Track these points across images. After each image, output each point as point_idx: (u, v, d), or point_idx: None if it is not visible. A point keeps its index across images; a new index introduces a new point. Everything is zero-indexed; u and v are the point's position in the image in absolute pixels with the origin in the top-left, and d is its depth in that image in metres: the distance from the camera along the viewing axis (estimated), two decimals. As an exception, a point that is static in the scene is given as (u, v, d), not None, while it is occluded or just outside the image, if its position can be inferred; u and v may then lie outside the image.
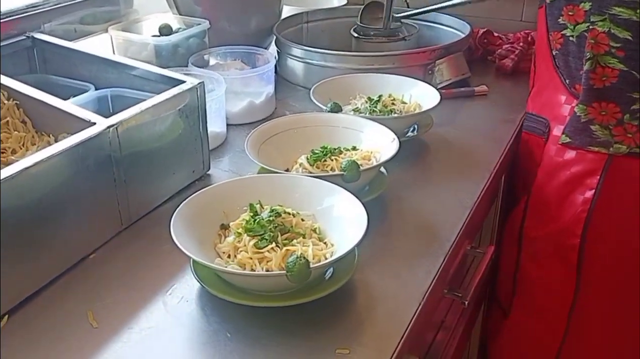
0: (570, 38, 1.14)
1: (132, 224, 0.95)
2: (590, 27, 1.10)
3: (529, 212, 1.24)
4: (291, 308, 0.76)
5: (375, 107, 1.19)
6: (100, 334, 0.74)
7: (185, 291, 0.82)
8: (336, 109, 1.16)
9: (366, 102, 1.21)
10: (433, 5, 1.57)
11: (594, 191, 1.14)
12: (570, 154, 1.17)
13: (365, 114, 1.18)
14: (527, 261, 1.27)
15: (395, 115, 1.17)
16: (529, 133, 1.28)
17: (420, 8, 1.61)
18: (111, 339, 0.74)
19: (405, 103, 1.23)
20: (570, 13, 1.13)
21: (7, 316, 0.77)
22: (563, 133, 1.17)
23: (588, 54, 1.11)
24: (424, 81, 1.29)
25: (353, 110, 1.20)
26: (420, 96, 1.24)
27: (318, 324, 0.76)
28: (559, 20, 1.15)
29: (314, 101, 1.18)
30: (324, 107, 1.17)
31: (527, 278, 1.28)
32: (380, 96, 1.22)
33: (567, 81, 1.18)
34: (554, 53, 1.19)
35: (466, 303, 0.97)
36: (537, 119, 1.25)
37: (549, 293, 1.25)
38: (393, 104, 1.21)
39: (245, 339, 0.73)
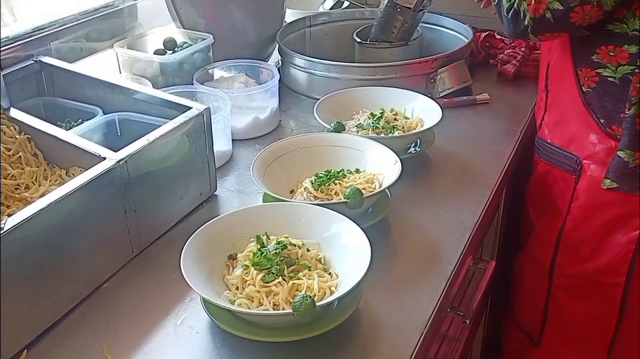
0: (610, 79, 1.09)
1: (142, 250, 0.98)
2: (637, 70, 1.05)
3: (562, 248, 1.22)
4: (299, 341, 0.79)
5: (378, 123, 1.21)
6: (115, 369, 0.78)
7: (195, 321, 0.85)
8: (339, 128, 1.18)
9: (369, 118, 1.23)
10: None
11: (639, 231, 1.12)
12: (612, 196, 1.13)
13: (368, 130, 1.20)
14: (561, 293, 1.26)
15: (397, 134, 1.19)
16: (553, 166, 1.23)
17: None
18: (126, 373, 0.77)
19: (408, 118, 1.25)
20: (611, 53, 1.07)
21: (26, 350, 0.81)
22: (607, 177, 1.12)
23: (634, 98, 1.06)
24: (425, 94, 1.30)
25: (356, 126, 1.22)
26: (423, 110, 1.26)
27: (325, 355, 0.79)
28: (593, 57, 1.09)
29: (318, 119, 1.21)
30: (327, 126, 1.19)
31: (561, 309, 1.27)
32: (382, 112, 1.24)
33: (601, 121, 1.12)
34: (584, 90, 1.13)
35: (468, 321, 1.00)
36: (565, 154, 1.20)
37: (588, 324, 1.24)
38: (395, 119, 1.23)
39: (255, 373, 0.77)
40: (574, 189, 1.19)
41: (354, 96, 1.31)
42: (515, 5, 1.08)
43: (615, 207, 1.14)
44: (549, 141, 1.24)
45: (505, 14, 1.11)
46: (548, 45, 1.22)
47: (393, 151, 1.07)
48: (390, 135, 1.19)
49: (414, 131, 1.21)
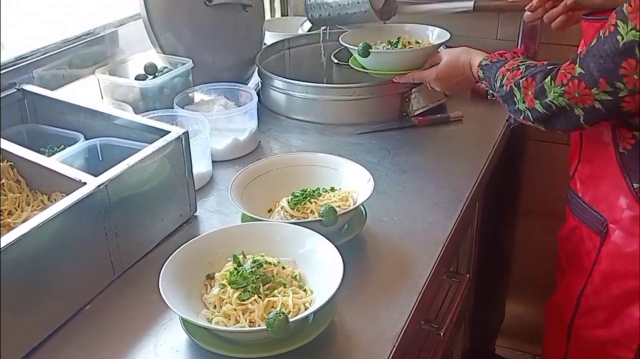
0: None
1: (124, 272, 1.01)
2: None
3: (581, 310, 1.21)
4: (275, 356, 0.82)
5: (396, 47, 1.47)
6: (97, 388, 0.81)
7: (175, 341, 0.88)
8: (366, 47, 1.37)
9: (388, 44, 1.49)
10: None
11: None
12: (632, 268, 1.11)
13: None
14: (575, 354, 1.26)
15: (410, 48, 1.48)
16: (581, 222, 1.21)
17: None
18: (108, 392, 0.80)
19: (419, 43, 1.51)
20: None
21: (10, 372, 0.83)
22: None
23: None
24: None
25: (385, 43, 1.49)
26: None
27: (300, 370, 0.82)
28: (632, 119, 1.04)
29: (344, 44, 1.45)
30: (355, 47, 1.38)
31: None
32: (398, 39, 1.50)
33: (634, 185, 1.08)
34: (620, 150, 1.09)
35: (442, 334, 1.03)
36: (593, 213, 1.17)
37: None
38: (410, 44, 1.49)
39: (232, 388, 0.80)
40: (598, 251, 1.16)
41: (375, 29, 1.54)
42: (562, 103, 1.02)
43: (635, 279, 1.11)
44: (579, 194, 1.21)
45: (547, 111, 1.05)
46: None
47: (406, 64, 1.37)
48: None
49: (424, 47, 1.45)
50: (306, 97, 1.50)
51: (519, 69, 1.12)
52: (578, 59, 0.99)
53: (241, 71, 1.64)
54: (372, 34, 1.54)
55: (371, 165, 1.26)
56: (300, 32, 1.93)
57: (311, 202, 1.06)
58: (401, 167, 1.29)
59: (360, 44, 1.39)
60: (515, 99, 1.10)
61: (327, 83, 1.68)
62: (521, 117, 1.11)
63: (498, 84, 1.15)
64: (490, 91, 1.22)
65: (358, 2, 1.49)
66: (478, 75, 1.23)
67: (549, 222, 1.47)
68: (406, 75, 1.39)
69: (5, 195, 0.95)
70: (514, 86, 1.10)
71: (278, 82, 1.54)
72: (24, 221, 0.88)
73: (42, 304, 0.87)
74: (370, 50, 1.39)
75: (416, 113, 1.49)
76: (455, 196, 1.19)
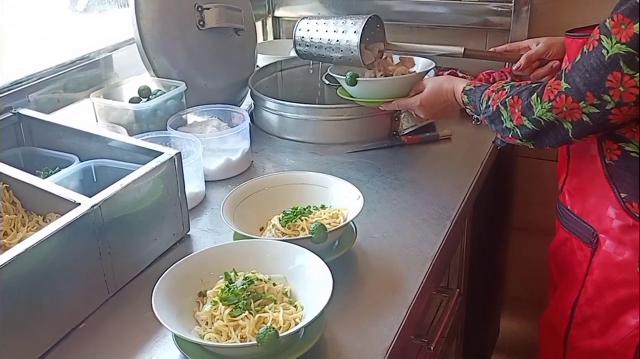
0: (633, 154, 1.06)
1: (118, 291, 1.02)
2: None
3: (576, 321, 1.21)
4: (266, 371, 0.83)
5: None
6: (91, 405, 0.82)
7: (168, 357, 0.89)
8: (354, 77, 1.37)
9: None
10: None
11: None
12: (625, 276, 1.12)
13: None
14: None
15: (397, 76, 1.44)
16: (572, 235, 1.22)
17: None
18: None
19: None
20: (634, 129, 1.04)
21: (5, 390, 0.84)
22: None
23: None
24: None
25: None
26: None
27: (291, 385, 0.84)
28: (617, 131, 1.05)
29: (333, 74, 1.43)
30: (343, 77, 1.38)
31: None
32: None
33: (622, 195, 1.09)
34: (607, 162, 1.10)
35: (432, 348, 1.04)
36: (583, 225, 1.18)
37: None
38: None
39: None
40: (590, 262, 1.17)
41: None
42: (550, 119, 1.04)
43: (628, 288, 1.12)
44: (569, 207, 1.22)
45: (536, 127, 1.06)
46: None
47: (393, 92, 1.37)
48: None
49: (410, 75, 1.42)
50: (298, 118, 1.53)
51: (504, 89, 1.14)
52: (564, 75, 1.02)
53: (234, 94, 1.67)
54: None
55: (362, 183, 1.29)
56: (292, 54, 1.96)
57: (302, 220, 1.08)
58: (391, 184, 1.31)
59: (348, 74, 1.40)
60: (502, 118, 1.12)
61: (319, 104, 1.71)
62: (510, 136, 1.13)
63: (484, 105, 1.17)
64: (475, 116, 1.24)
65: (348, 47, 1.43)
66: (463, 101, 1.25)
67: (541, 239, 1.49)
68: (392, 104, 1.40)
69: (1, 216, 0.97)
70: (500, 106, 1.12)
71: (270, 104, 1.57)
72: (19, 242, 0.90)
73: (37, 323, 0.88)
74: (358, 79, 1.40)
75: (406, 132, 1.52)
76: (444, 212, 1.21)
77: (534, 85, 1.09)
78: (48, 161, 1.20)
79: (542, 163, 1.86)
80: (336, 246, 1.09)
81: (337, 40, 1.43)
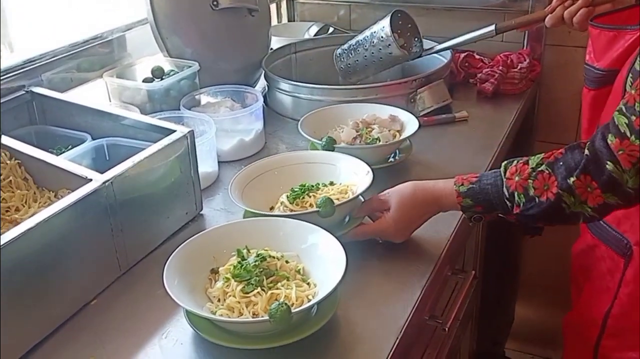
0: None
1: (129, 269, 1.02)
2: None
3: (609, 331, 1.16)
4: (279, 347, 0.82)
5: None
6: (102, 380, 0.81)
7: (179, 333, 0.88)
8: (330, 143, 1.23)
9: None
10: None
11: None
12: None
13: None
14: None
15: (379, 144, 1.26)
16: (601, 242, 1.16)
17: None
18: (112, 384, 0.81)
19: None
20: None
21: (16, 365, 0.84)
22: None
23: None
24: (404, 109, 1.35)
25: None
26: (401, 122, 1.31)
27: (304, 362, 0.83)
28: None
29: (305, 135, 1.27)
30: (319, 142, 1.24)
31: None
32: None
33: None
34: None
35: (446, 328, 1.03)
36: (613, 233, 1.11)
37: None
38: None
39: (235, 380, 0.80)
40: (623, 273, 1.11)
41: (335, 112, 1.38)
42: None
43: None
44: None
45: (628, 196, 0.90)
46: (598, 111, 1.13)
47: (374, 159, 1.18)
48: (370, 145, 1.26)
49: (392, 141, 1.27)
50: (312, 99, 1.51)
51: (543, 172, 0.95)
52: (630, 133, 0.86)
53: (247, 75, 1.66)
54: (330, 117, 1.36)
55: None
56: (306, 36, 1.95)
57: (310, 196, 1.07)
58: (407, 165, 1.29)
59: (325, 138, 1.24)
60: (564, 205, 0.93)
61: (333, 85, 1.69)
62: (580, 220, 0.94)
63: (522, 200, 0.95)
64: (480, 215, 1.02)
65: (383, 41, 1.51)
66: (462, 205, 1.00)
67: (559, 226, 1.46)
68: (358, 231, 1.06)
69: (13, 192, 0.97)
70: (560, 191, 0.92)
71: (284, 85, 1.55)
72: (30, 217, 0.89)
73: (47, 299, 0.88)
74: (334, 145, 1.24)
75: (422, 114, 1.50)
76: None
77: (586, 158, 0.91)
78: (60, 139, 1.20)
79: (561, 148, 1.82)
80: (347, 222, 1.07)
81: (373, 45, 1.54)
